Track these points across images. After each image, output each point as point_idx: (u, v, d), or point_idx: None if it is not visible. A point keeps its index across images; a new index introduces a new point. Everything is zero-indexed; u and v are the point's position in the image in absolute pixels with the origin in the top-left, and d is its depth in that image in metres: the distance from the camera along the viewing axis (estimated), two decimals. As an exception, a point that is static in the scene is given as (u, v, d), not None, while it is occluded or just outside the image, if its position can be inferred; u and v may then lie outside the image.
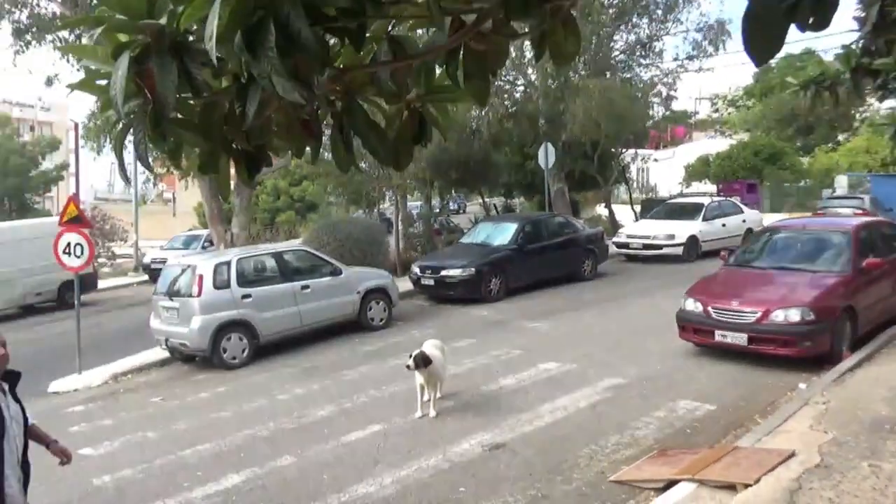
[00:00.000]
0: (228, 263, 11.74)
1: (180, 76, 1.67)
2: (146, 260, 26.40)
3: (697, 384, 8.41)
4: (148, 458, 7.55)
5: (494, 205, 29.80)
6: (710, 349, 9.42)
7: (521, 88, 23.48)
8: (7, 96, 58.87)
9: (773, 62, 25.82)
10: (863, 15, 4.58)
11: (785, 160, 36.29)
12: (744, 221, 20.28)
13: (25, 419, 4.12)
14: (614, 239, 19.82)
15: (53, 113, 61.42)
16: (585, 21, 19.36)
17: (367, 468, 6.65)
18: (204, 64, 1.72)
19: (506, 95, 22.59)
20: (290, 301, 12.15)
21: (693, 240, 18.62)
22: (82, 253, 11.71)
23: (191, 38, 1.74)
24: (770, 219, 20.21)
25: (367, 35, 1.89)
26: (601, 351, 10.15)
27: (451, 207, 35.34)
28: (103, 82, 1.77)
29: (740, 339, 8.85)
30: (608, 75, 22.46)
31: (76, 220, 11.82)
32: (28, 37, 16.81)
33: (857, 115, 39.96)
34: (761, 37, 1.63)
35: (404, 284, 15.64)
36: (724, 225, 19.61)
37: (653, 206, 23.97)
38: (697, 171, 38.27)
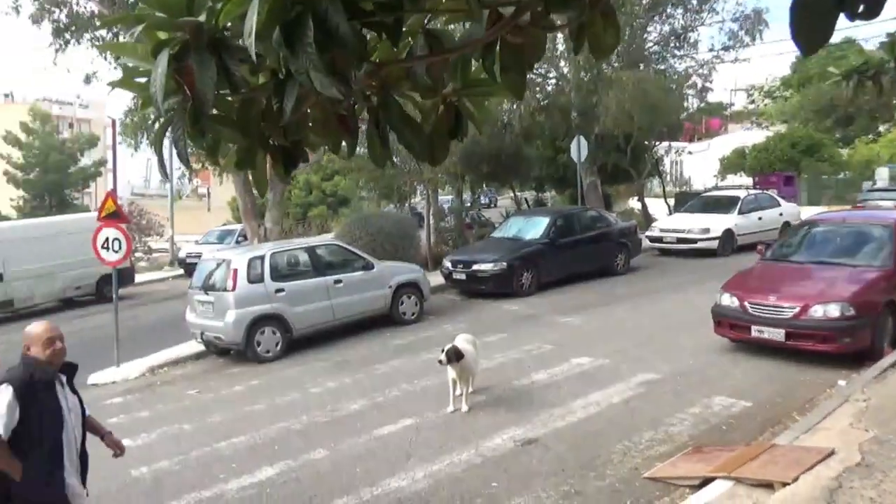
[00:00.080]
0: (262, 258, 11.87)
1: (219, 73, 1.68)
2: (182, 254, 26.80)
3: (733, 380, 8.29)
4: (184, 450, 7.67)
5: (526, 199, 29.67)
6: (746, 345, 9.27)
7: (554, 81, 23.33)
8: (47, 94, 60.25)
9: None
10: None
11: (823, 152, 35.52)
12: (781, 215, 19.90)
13: (83, 410, 4.22)
14: (647, 233, 19.60)
15: (91, 110, 62.65)
16: (619, 12, 19.11)
17: (400, 462, 6.68)
18: (242, 60, 1.72)
19: (538, 88, 22.46)
20: (323, 295, 12.24)
21: (729, 234, 18.32)
22: (120, 248, 11.91)
23: (229, 35, 1.74)
24: (808, 212, 19.81)
25: (404, 29, 1.88)
26: (634, 346, 10.05)
27: (483, 201, 35.30)
28: (143, 80, 1.78)
29: (778, 334, 8.69)
30: (642, 67, 22.18)
31: (114, 216, 12.03)
32: (67, 35, 17.13)
33: (900, 106, 38.92)
34: (810, 25, 1.58)
35: (436, 279, 15.66)
36: (760, 218, 19.25)
37: (687, 200, 23.62)
38: (733, 163, 37.64)
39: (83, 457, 4.22)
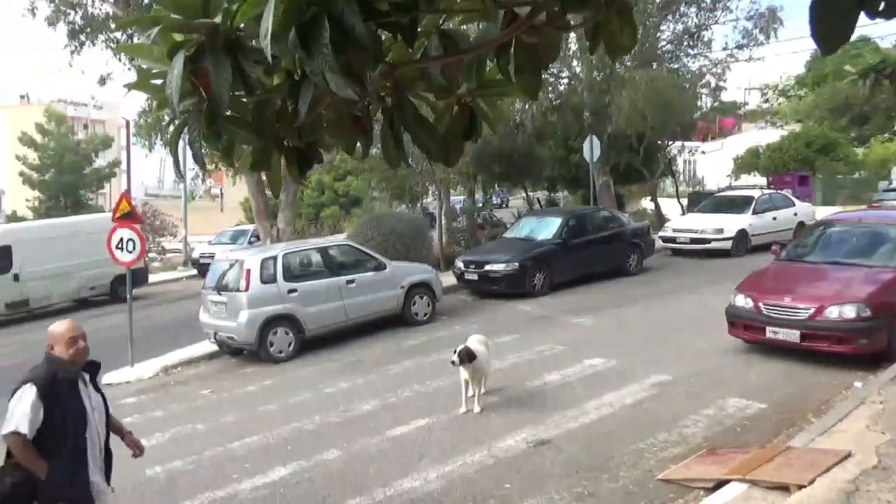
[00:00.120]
0: (275, 258, 11.90)
1: (234, 74, 1.68)
2: (195, 255, 26.95)
3: (747, 382, 8.22)
4: (197, 450, 7.70)
5: (538, 199, 29.61)
6: (760, 346, 9.20)
7: (566, 81, 23.25)
8: (62, 95, 60.77)
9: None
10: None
11: (838, 151, 35.21)
12: (795, 215, 19.74)
13: (106, 408, 4.25)
14: (661, 233, 19.50)
15: (106, 111, 63.09)
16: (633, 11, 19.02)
17: (412, 463, 6.67)
18: (257, 62, 1.72)
19: (550, 88, 22.39)
20: (336, 295, 12.26)
21: (742, 234, 18.19)
22: (134, 248, 11.98)
23: (244, 36, 1.74)
24: (823, 212, 19.67)
25: (419, 30, 1.87)
26: (647, 347, 10.00)
27: (494, 202, 35.25)
28: (158, 81, 1.79)
29: (792, 335, 8.62)
30: (655, 66, 22.07)
31: (128, 216, 12.10)
32: (82, 37, 17.25)
33: (916, 104, 38.52)
34: (830, 24, 1.56)
35: (448, 279, 15.65)
36: (774, 218, 19.11)
37: (700, 200, 23.49)
38: (747, 163, 37.38)
39: (107, 454, 4.25)
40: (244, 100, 1.87)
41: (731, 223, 18.32)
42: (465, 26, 2.25)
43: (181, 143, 1.93)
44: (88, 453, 4.00)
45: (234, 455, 7.46)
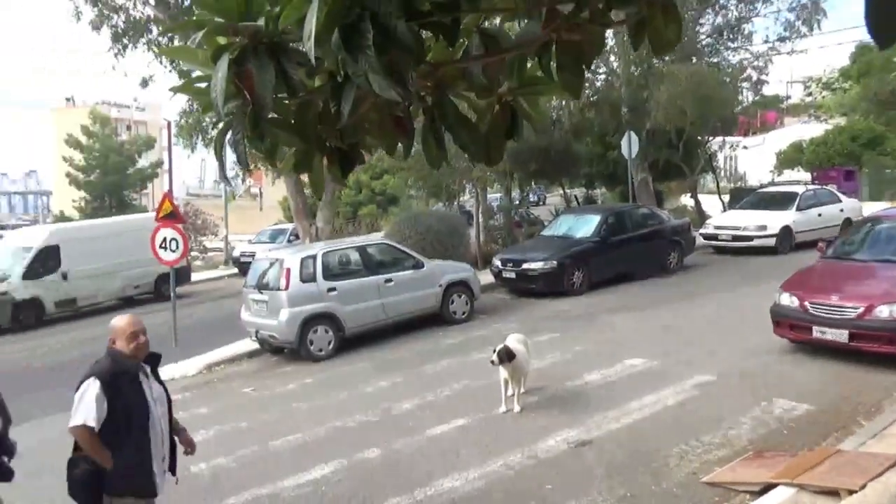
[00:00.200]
0: (314, 257, 12.00)
1: (277, 76, 1.68)
2: (235, 253, 27.32)
3: (794, 383, 8.03)
4: (241, 447, 7.80)
5: (575, 196, 29.36)
6: (806, 346, 8.98)
7: (603, 76, 23.00)
8: (106, 97, 62.20)
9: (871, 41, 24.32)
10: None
11: (886, 145, 34.18)
12: (841, 211, 19.24)
13: (168, 399, 4.34)
14: (701, 230, 19.17)
15: (148, 112, 64.49)
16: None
17: (453, 462, 6.66)
18: (300, 64, 1.72)
19: (587, 84, 22.17)
20: (374, 294, 12.31)
21: (786, 231, 17.79)
22: (177, 247, 12.20)
23: (286, 39, 1.74)
24: (870, 208, 19.14)
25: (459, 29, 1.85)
26: (689, 346, 9.84)
27: (531, 199, 35.05)
28: (202, 85, 1.80)
29: (840, 335, 8.39)
30: (694, 60, 21.71)
31: (171, 216, 12.33)
32: (125, 40, 17.61)
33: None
34: (887, 16, 1.49)
35: (485, 277, 15.61)
36: (820, 215, 18.65)
37: (742, 196, 23.04)
38: (790, 158, 36.50)
39: (171, 444, 4.34)
40: (287, 102, 1.88)
41: (774, 220, 17.93)
42: (505, 24, 2.22)
43: (225, 145, 1.94)
44: (151, 444, 4.10)
45: (276, 453, 7.55)
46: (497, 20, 2.18)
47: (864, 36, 25.97)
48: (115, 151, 39.09)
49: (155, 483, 4.14)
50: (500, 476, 6.28)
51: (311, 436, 7.94)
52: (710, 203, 26.34)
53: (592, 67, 22.06)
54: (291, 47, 1.70)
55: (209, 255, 32.49)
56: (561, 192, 28.59)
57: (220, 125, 1.88)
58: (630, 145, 20.21)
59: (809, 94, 57.20)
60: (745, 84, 24.37)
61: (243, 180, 36.94)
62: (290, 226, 26.48)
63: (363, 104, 1.78)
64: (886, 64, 33.40)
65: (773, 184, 29.68)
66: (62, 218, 37.01)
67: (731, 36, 23.28)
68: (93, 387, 3.94)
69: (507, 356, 7.68)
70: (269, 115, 1.77)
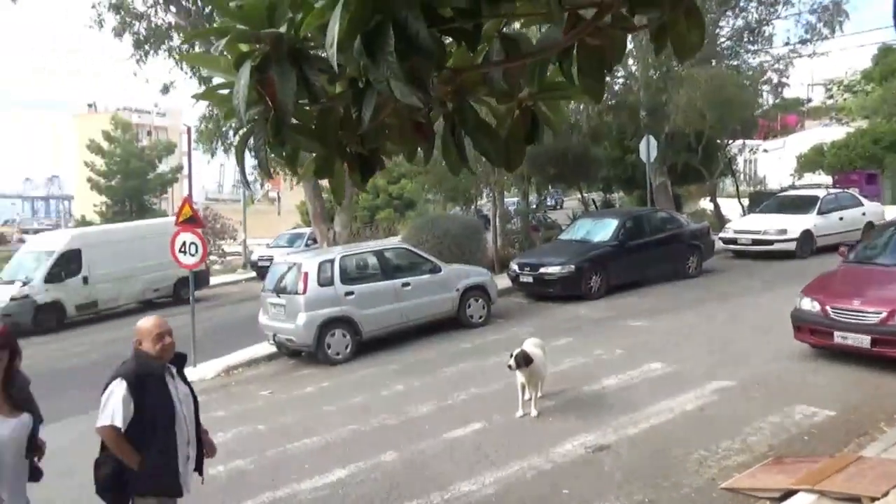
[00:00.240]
0: (332, 261, 12.06)
1: (299, 83, 1.70)
2: (254, 257, 27.53)
3: (815, 388, 7.94)
4: (258, 450, 7.84)
5: (593, 200, 29.25)
6: (828, 351, 8.88)
7: (622, 80, 22.92)
8: (127, 103, 62.98)
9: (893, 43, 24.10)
10: None
11: (909, 148, 33.74)
12: (863, 214, 19.02)
13: (195, 399, 4.38)
14: (721, 234, 19.03)
15: (168, 118, 65.21)
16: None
17: (469, 466, 6.66)
18: (321, 70, 1.74)
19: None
20: (392, 298, 12.34)
21: (807, 235, 17.62)
22: (196, 251, 12.29)
23: (308, 45, 1.75)
24: (893, 212, 18.92)
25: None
26: (708, 351, 9.77)
27: (549, 203, 34.93)
28: (224, 91, 1.82)
29: (862, 341, 8.28)
30: (714, 63, 21.57)
31: (191, 221, 12.42)
32: (146, 47, 17.80)
33: None
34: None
35: (502, 282, 15.59)
36: (841, 218, 18.44)
37: (762, 200, 22.82)
38: (810, 161, 36.12)
39: (198, 444, 4.38)
40: (308, 108, 1.89)
41: (795, 224, 17.76)
42: (525, 29, 2.22)
43: (246, 151, 1.96)
44: (177, 444, 4.13)
45: (293, 456, 7.58)
46: (516, 25, 2.18)
47: (887, 37, 25.62)
48: (136, 157, 39.52)
49: (180, 483, 4.17)
50: (517, 480, 6.27)
51: (328, 439, 7.96)
52: (730, 207, 26.14)
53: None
54: (313, 54, 1.72)
55: (227, 259, 32.74)
56: (578, 195, 28.50)
57: (242, 132, 1.90)
58: (648, 149, 20.12)
59: (831, 97, 56.56)
60: (765, 87, 24.18)
61: (261, 185, 37.21)
62: (307, 230, 26.62)
63: (384, 110, 1.79)
64: (909, 66, 32.97)
65: (793, 187, 29.39)
66: (83, 222, 37.48)
67: (751, 38, 23.13)
68: (119, 387, 3.99)
69: (524, 360, 7.67)
70: (291, 122, 1.79)
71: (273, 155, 1.95)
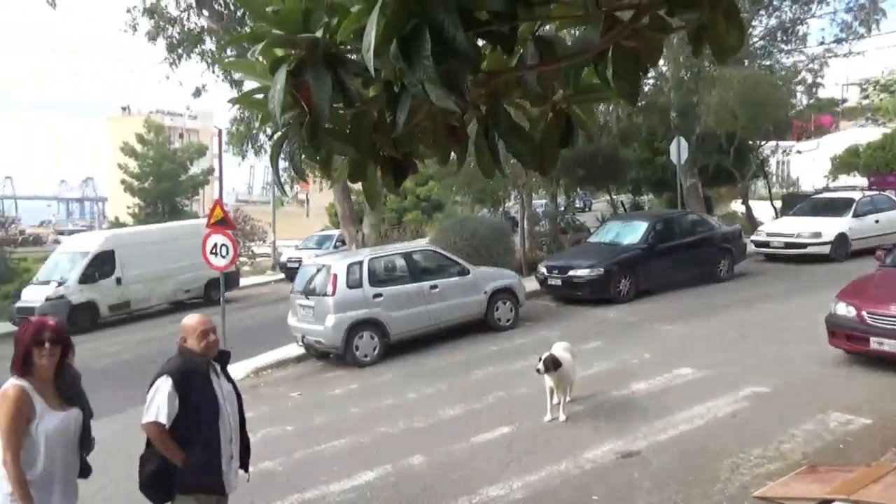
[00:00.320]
0: (361, 263, 12.11)
1: (334, 87, 1.70)
2: (283, 259, 27.73)
3: (850, 395, 7.78)
4: (287, 452, 7.88)
5: (622, 202, 29.03)
6: (863, 357, 8.70)
7: (652, 81, 22.72)
8: (160, 106, 64.01)
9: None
10: None
11: (948, 150, 32.97)
12: (901, 217, 18.60)
13: (238, 396, 4.42)
14: (753, 237, 18.75)
15: (199, 121, 66.08)
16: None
17: (497, 471, 6.63)
18: (356, 74, 1.74)
19: (635, 89, 21.87)
20: (420, 301, 12.35)
21: (842, 238, 17.28)
22: (227, 253, 12.41)
23: (344, 49, 1.75)
24: (932, 215, 18.46)
25: (515, 37, 1.84)
26: (740, 357, 9.62)
27: (577, 205, 34.73)
28: (259, 96, 1.83)
29: (900, 347, 8.11)
30: (746, 63, 21.27)
31: (222, 223, 12.55)
32: (179, 51, 18.07)
33: None
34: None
35: (530, 284, 15.52)
36: (877, 221, 18.05)
37: (795, 202, 22.45)
38: (845, 162, 35.43)
39: (244, 440, 4.42)
40: (342, 112, 1.89)
41: (829, 227, 17.43)
42: (560, 31, 2.19)
43: (280, 155, 1.97)
44: (221, 442, 4.16)
45: (322, 458, 7.61)
46: (549, 27, 2.16)
47: (925, 37, 25.03)
48: (169, 159, 40.04)
49: (223, 481, 4.19)
50: (545, 486, 6.23)
51: (356, 441, 7.99)
52: (762, 209, 25.76)
53: (640, 72, 21.87)
54: (348, 58, 1.72)
55: (257, 260, 33.04)
56: (607, 198, 28.29)
57: (277, 136, 1.90)
58: (679, 150, 19.89)
59: (866, 97, 55.43)
60: (799, 87, 23.80)
61: (291, 187, 37.50)
62: (336, 232, 26.77)
63: (418, 113, 1.79)
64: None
65: (827, 189, 28.88)
66: (117, 224, 38.05)
67: (784, 38, 22.78)
68: (165, 384, 4.03)
69: (553, 364, 7.62)
70: (326, 126, 1.79)
71: (306, 158, 1.96)
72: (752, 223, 23.27)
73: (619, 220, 18.63)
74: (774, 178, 33.39)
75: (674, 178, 21.52)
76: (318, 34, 1.70)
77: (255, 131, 18.22)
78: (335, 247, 24.66)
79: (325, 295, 11.81)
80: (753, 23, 22.37)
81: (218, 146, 42.89)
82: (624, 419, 7.67)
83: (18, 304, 19.26)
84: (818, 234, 17.30)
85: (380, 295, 12.00)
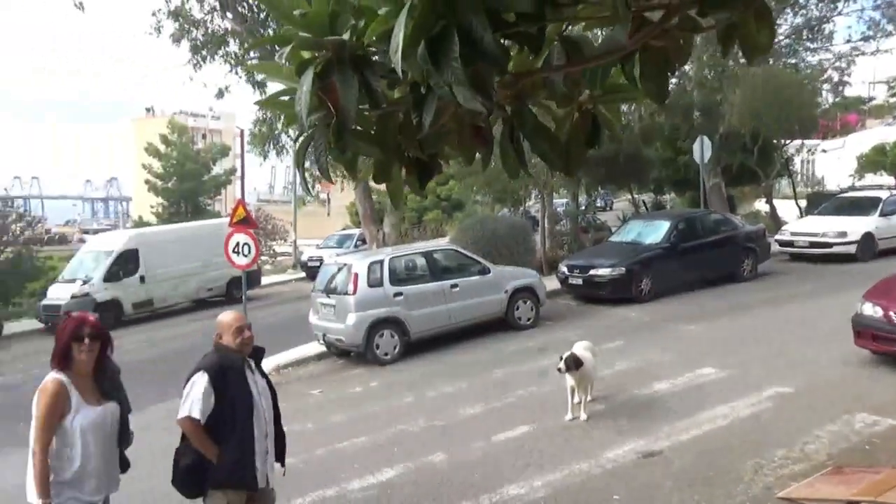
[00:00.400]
0: (381, 262, 12.15)
1: (360, 89, 1.71)
2: (303, 258, 27.88)
3: (876, 396, 7.67)
4: (308, 449, 7.92)
5: (643, 201, 28.84)
6: (889, 358, 8.58)
7: (675, 80, 22.54)
8: (183, 107, 64.66)
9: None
10: None
11: (976, 148, 32.36)
12: (928, 217, 18.30)
13: (273, 392, 4.47)
14: (777, 237, 18.55)
15: (222, 121, 66.63)
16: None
17: (518, 469, 6.63)
18: (382, 76, 1.75)
19: (657, 88, 21.72)
20: (440, 299, 12.37)
21: (868, 237, 17.04)
22: (249, 252, 12.50)
23: (371, 51, 1.77)
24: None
25: (542, 38, 1.84)
26: (764, 357, 9.53)
27: (598, 204, 34.57)
28: (286, 98, 1.85)
29: (929, 348, 7.99)
30: (771, 62, 21.04)
31: (244, 222, 12.65)
32: (203, 52, 18.24)
33: None
34: None
35: (551, 283, 15.48)
36: (904, 221, 17.81)
37: (820, 201, 22.17)
38: (872, 161, 34.90)
39: (279, 435, 4.46)
40: (367, 113, 1.90)
41: (855, 226, 17.20)
42: (587, 31, 2.19)
43: (306, 157, 1.98)
44: (255, 438, 4.20)
45: (342, 455, 7.66)
46: (575, 28, 2.15)
47: (954, 33, 24.57)
48: (192, 159, 40.39)
49: (256, 478, 4.22)
50: (566, 485, 6.21)
51: (377, 439, 8.02)
52: (786, 208, 25.46)
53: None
54: (375, 60, 1.73)
55: (278, 259, 33.24)
56: (628, 197, 28.12)
57: (302, 137, 1.92)
58: (702, 150, 19.73)
59: (894, 95, 54.52)
60: (825, 85, 23.50)
61: (313, 187, 37.71)
62: (356, 231, 26.87)
63: (444, 114, 1.80)
64: (978, 62, 31.59)
65: (853, 188, 28.49)
66: (141, 223, 38.47)
67: (810, 36, 22.50)
68: (201, 380, 4.08)
69: (574, 364, 7.60)
70: (353, 127, 1.80)
71: (332, 159, 1.97)
72: (776, 222, 23.01)
73: (640, 219, 18.53)
74: (799, 177, 32.98)
75: (696, 178, 21.35)
76: (345, 36, 1.72)
77: (277, 132, 18.34)
78: (355, 246, 24.76)
79: (346, 293, 11.87)
80: (779, 21, 22.10)
81: (240, 146, 43.27)
82: (646, 419, 7.63)
83: (44, 302, 19.53)
84: (844, 234, 17.08)
85: (400, 294, 12.04)
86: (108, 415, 3.91)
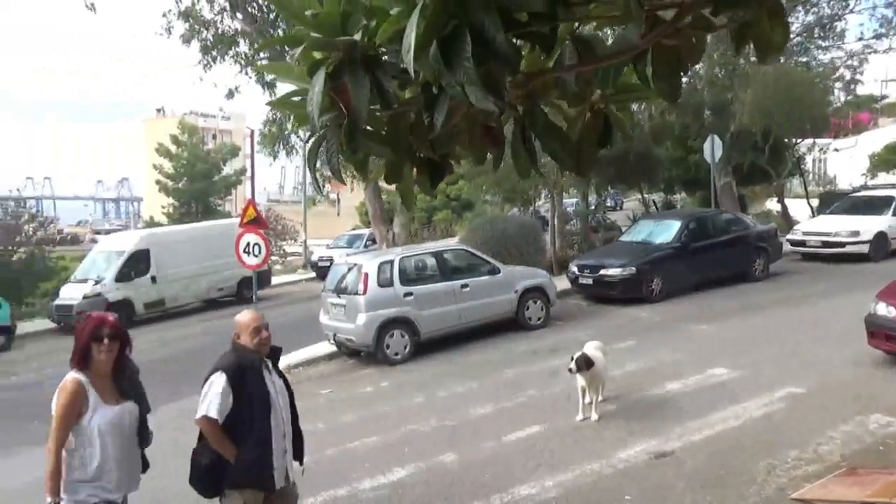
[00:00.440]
0: (391, 262, 12.16)
1: (371, 89, 1.71)
2: (314, 258, 27.94)
3: (890, 397, 7.61)
4: (319, 448, 7.90)
5: (654, 201, 28.74)
6: (905, 359, 8.52)
7: (685, 79, 22.44)
8: (193, 108, 64.98)
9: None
10: None
11: None
12: (942, 216, 18.14)
13: (290, 391, 4.47)
14: (789, 236, 18.44)
15: (232, 122, 66.94)
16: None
17: (529, 470, 6.61)
18: (394, 76, 1.75)
19: (667, 87, 21.64)
20: (450, 299, 12.37)
21: (881, 237, 16.91)
22: (260, 252, 12.55)
23: (382, 52, 1.76)
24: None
25: (554, 37, 1.83)
26: (775, 357, 9.47)
27: (608, 204, 34.48)
28: (297, 99, 1.85)
29: (943, 348, 7.92)
30: (783, 60, 20.91)
31: (254, 222, 12.69)
32: (213, 53, 18.31)
33: None
34: None
35: (561, 283, 15.45)
36: (918, 220, 17.65)
37: (832, 200, 22.02)
38: (884, 160, 34.64)
39: (297, 435, 4.46)
40: (378, 113, 1.90)
41: (868, 225, 17.08)
42: (599, 30, 2.18)
43: (318, 158, 1.98)
44: (273, 437, 4.21)
45: (353, 455, 7.67)
46: (586, 27, 2.14)
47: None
48: (202, 160, 40.54)
49: (274, 477, 4.22)
50: (578, 485, 6.20)
51: (387, 439, 8.02)
52: (798, 208, 25.31)
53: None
54: (386, 60, 1.73)
55: (288, 259, 33.33)
56: (639, 196, 28.03)
57: (313, 138, 1.92)
58: (713, 149, 19.63)
59: (906, 94, 54.02)
60: (837, 84, 23.34)
61: (323, 187, 37.81)
62: (366, 231, 26.90)
63: (455, 115, 1.79)
64: None
65: (865, 187, 28.28)
66: (152, 223, 38.66)
67: (822, 34, 22.35)
68: (219, 380, 4.08)
69: (585, 364, 7.58)
70: (364, 128, 1.80)
71: (343, 160, 1.97)
72: (787, 222, 22.88)
73: (651, 218, 18.47)
74: (811, 176, 32.78)
75: (707, 177, 21.25)
76: (357, 37, 1.71)
77: (287, 132, 18.39)
78: (365, 246, 24.79)
79: (356, 293, 11.88)
80: (791, 19, 21.97)
81: (250, 147, 43.39)
82: (657, 419, 7.60)
83: (57, 302, 19.66)
84: (856, 233, 16.96)
85: (410, 294, 12.05)
86: (125, 414, 3.93)
